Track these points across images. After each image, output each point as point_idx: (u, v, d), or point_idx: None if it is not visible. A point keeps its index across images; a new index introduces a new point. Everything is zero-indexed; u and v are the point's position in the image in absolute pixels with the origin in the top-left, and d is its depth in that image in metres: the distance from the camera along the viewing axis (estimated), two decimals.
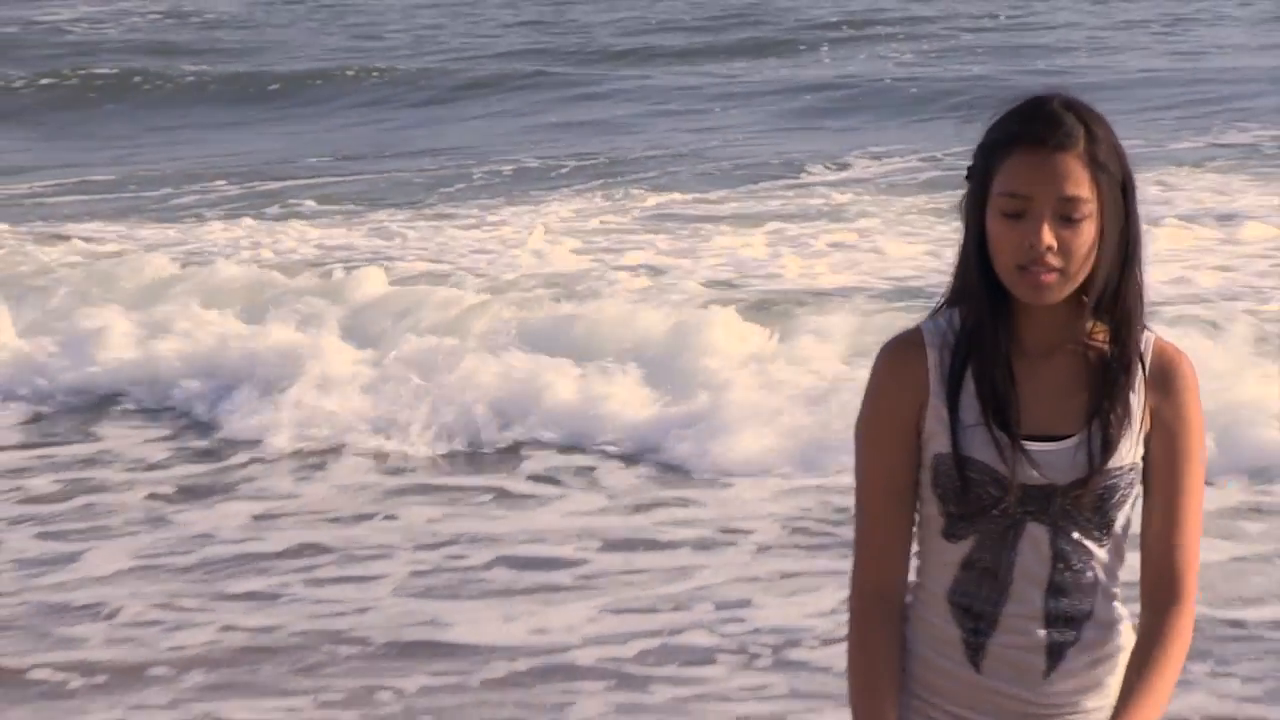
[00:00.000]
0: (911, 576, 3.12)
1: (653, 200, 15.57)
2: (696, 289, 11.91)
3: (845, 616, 3.12)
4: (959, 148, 12.79)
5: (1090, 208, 2.91)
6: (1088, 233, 2.92)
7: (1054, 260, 2.91)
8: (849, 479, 3.16)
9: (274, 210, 15.88)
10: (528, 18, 29.67)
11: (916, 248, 13.10)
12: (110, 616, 7.37)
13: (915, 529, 3.09)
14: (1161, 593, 3.04)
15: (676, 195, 15.79)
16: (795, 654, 6.83)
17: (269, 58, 26.20)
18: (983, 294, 2.98)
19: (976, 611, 3.05)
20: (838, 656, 5.26)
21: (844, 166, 16.87)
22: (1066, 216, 2.90)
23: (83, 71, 24.40)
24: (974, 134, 3.01)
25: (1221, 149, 16.73)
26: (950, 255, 3.06)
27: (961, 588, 3.05)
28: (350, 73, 23.68)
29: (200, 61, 25.55)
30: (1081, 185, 2.90)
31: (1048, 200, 2.90)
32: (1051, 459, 3.00)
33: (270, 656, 6.96)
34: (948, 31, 26.29)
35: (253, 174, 17.89)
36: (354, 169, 18.23)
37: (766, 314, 11.08)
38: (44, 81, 23.95)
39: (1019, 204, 2.91)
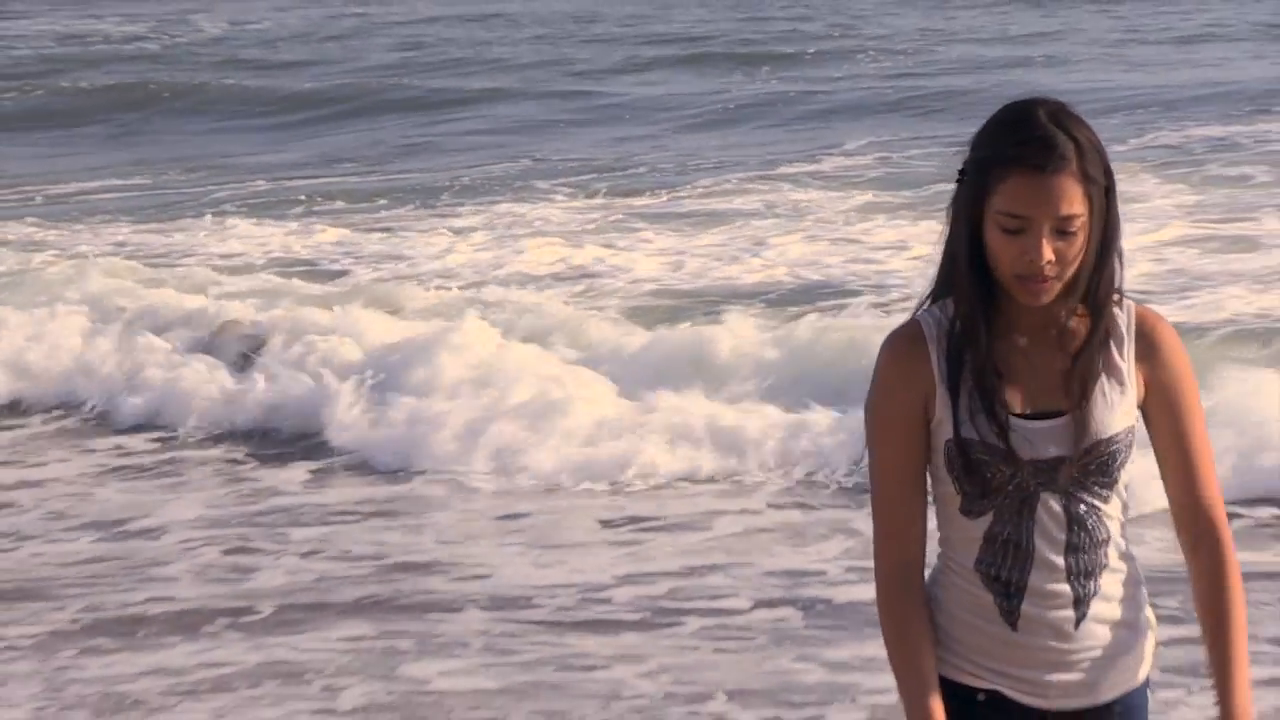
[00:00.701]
0: (936, 548, 3.28)
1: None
2: None
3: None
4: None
5: (1082, 219, 3.11)
6: (1080, 240, 3.12)
7: (1051, 271, 3.10)
8: None
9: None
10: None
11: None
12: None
13: (933, 506, 3.25)
14: (1203, 542, 3.24)
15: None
16: None
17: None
18: (974, 293, 3.16)
19: (1005, 579, 3.22)
20: None
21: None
22: (1062, 231, 3.09)
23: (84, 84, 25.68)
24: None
25: None
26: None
27: (987, 558, 3.22)
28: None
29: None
30: (1075, 203, 3.09)
31: (1045, 219, 3.08)
32: (1055, 434, 3.19)
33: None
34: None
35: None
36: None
37: None
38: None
39: (1018, 223, 3.09)
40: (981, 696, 3.29)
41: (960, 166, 3.18)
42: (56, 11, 36.87)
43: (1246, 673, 3.24)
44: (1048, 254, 3.09)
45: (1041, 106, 3.12)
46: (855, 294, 11.92)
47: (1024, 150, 3.07)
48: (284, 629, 7.12)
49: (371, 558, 7.98)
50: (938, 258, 3.26)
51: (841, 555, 7.74)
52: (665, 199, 16.19)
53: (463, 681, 6.60)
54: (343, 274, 13.65)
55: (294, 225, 15.78)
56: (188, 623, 7.23)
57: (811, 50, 26.66)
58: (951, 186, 3.20)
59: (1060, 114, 3.11)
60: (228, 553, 8.10)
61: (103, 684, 6.64)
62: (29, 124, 23.84)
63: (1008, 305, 3.19)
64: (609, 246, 14.05)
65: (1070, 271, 3.13)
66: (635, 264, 13.41)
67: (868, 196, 15.26)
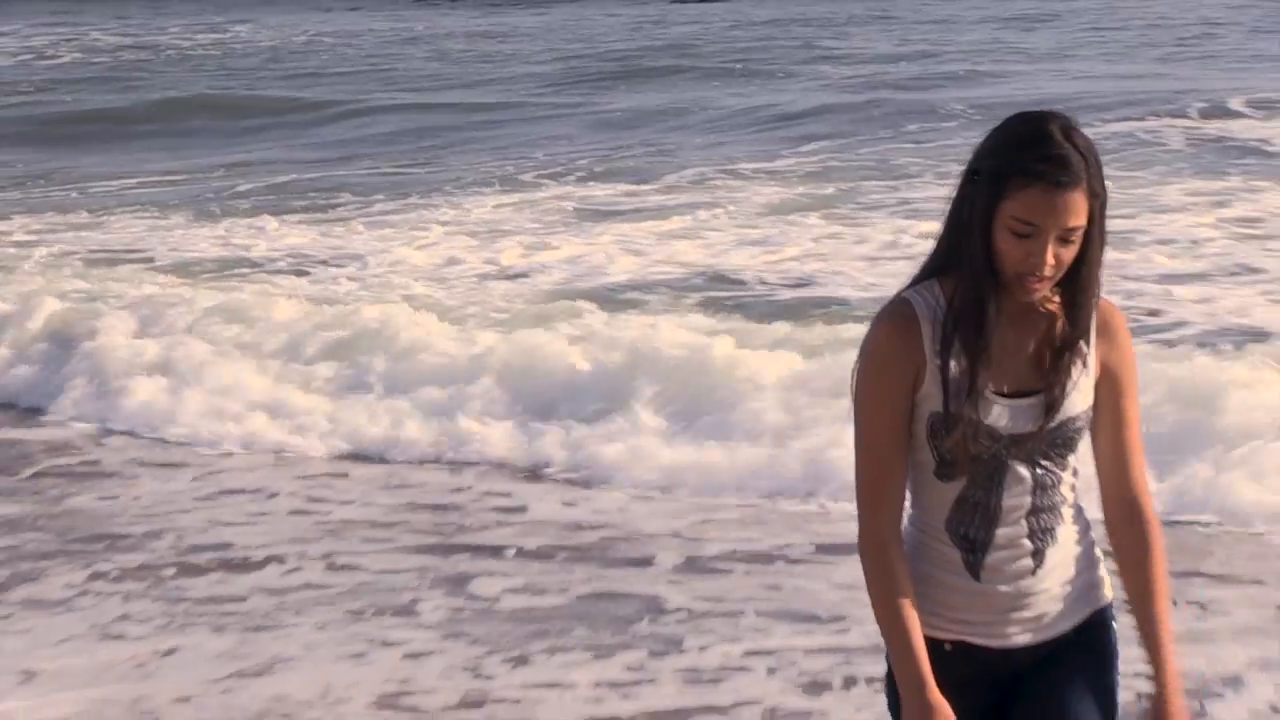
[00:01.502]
0: (909, 511, 3.50)
1: None
2: None
3: None
4: None
5: (1083, 230, 3.33)
6: (1077, 246, 3.34)
7: (1050, 273, 3.33)
8: None
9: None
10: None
11: None
12: None
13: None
14: (1135, 513, 3.50)
15: None
16: None
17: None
18: (986, 286, 3.33)
19: (972, 537, 3.45)
20: None
21: None
22: (1065, 239, 3.31)
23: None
24: None
25: None
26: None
27: (957, 518, 3.45)
28: None
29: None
30: (1080, 215, 3.30)
31: (1053, 228, 3.29)
32: (1030, 411, 3.41)
33: None
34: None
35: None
36: None
37: None
38: None
39: (1029, 229, 3.29)
40: (948, 647, 3.50)
41: (972, 168, 3.37)
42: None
43: (1172, 641, 3.50)
44: (1050, 260, 3.31)
45: (1054, 122, 3.32)
46: None
47: (1044, 167, 3.26)
48: None
49: None
50: (931, 245, 3.47)
51: None
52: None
53: None
54: None
55: None
56: None
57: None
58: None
59: (1071, 131, 3.32)
60: None
61: None
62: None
63: (999, 295, 3.37)
64: None
65: (1063, 273, 3.36)
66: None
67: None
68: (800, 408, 9.47)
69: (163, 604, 7.55)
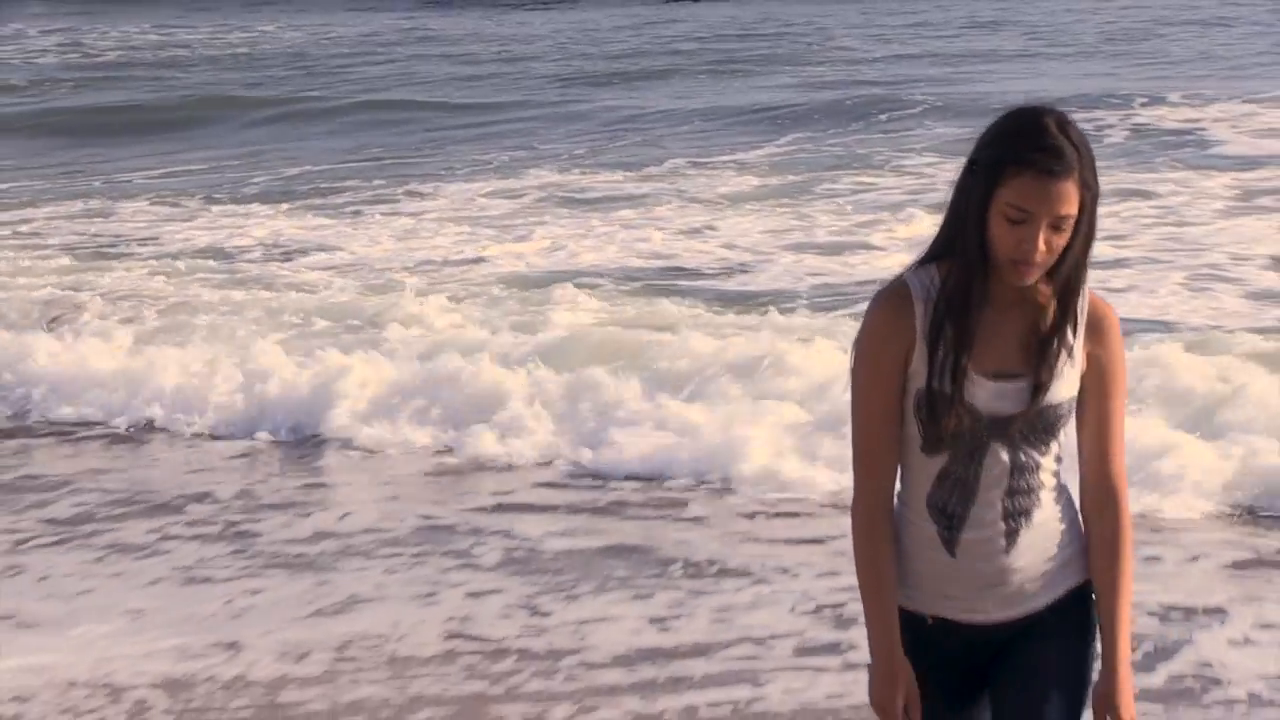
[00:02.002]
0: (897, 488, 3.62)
1: None
2: None
3: None
4: None
5: (1073, 219, 3.42)
6: (1068, 235, 3.43)
7: (1041, 259, 3.42)
8: None
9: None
10: None
11: None
12: None
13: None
14: (1110, 501, 3.59)
15: None
16: None
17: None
18: (976, 270, 3.45)
19: (950, 512, 3.56)
20: None
21: None
22: (1056, 227, 3.41)
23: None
24: None
25: None
26: None
27: (937, 493, 3.56)
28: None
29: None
30: (1072, 204, 3.39)
31: (1046, 215, 3.38)
32: (1012, 393, 3.51)
33: None
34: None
35: None
36: None
37: None
38: None
39: (1022, 215, 3.38)
40: (930, 621, 3.63)
41: (971, 159, 3.46)
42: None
43: (1129, 625, 3.61)
44: (1042, 246, 3.40)
45: (1050, 116, 3.41)
46: None
47: (1038, 156, 3.36)
48: None
49: None
50: (935, 229, 3.57)
51: None
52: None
53: None
54: None
55: None
56: None
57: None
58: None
59: (1066, 125, 3.41)
60: None
61: None
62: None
63: (992, 281, 3.48)
64: None
65: (1054, 261, 3.44)
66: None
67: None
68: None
69: (238, 552, 8.28)
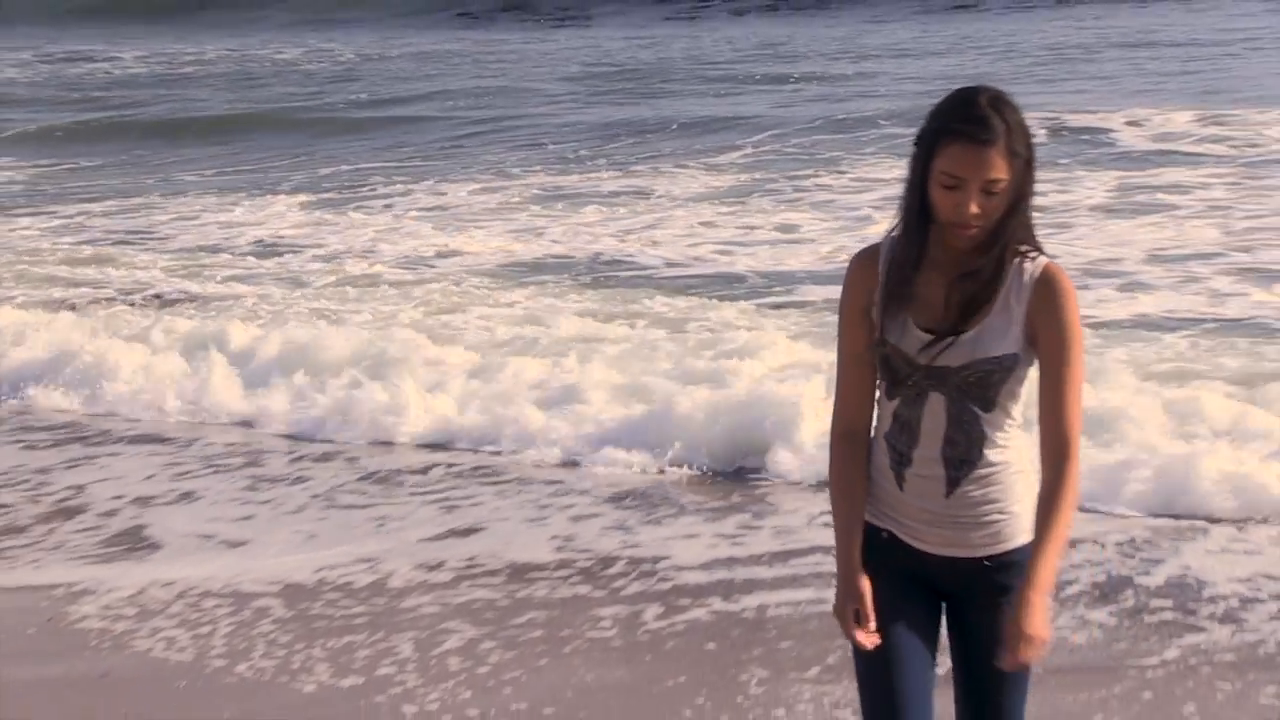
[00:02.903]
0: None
1: None
2: None
3: None
4: None
5: (1004, 183, 3.61)
6: (1002, 198, 3.62)
7: (977, 220, 3.63)
8: None
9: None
10: None
11: None
12: None
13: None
14: (1056, 454, 3.71)
15: None
16: None
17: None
18: (916, 234, 3.70)
19: (899, 450, 3.83)
20: None
21: None
22: (988, 191, 3.60)
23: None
24: None
25: None
26: None
27: (892, 431, 3.84)
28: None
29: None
30: (1000, 169, 3.59)
31: (976, 181, 3.59)
32: (948, 348, 3.72)
33: None
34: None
35: None
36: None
37: None
38: None
39: (955, 181, 3.60)
40: (885, 535, 3.89)
41: (916, 135, 3.68)
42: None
43: (1055, 559, 3.68)
44: (974, 209, 3.60)
45: (983, 94, 3.62)
46: None
47: (966, 126, 3.58)
48: None
49: None
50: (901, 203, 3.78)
51: None
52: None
53: None
54: None
55: None
56: None
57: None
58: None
59: (998, 100, 3.62)
60: None
61: None
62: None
63: (936, 246, 3.71)
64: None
65: (991, 223, 3.63)
66: None
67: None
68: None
69: (366, 481, 9.74)
